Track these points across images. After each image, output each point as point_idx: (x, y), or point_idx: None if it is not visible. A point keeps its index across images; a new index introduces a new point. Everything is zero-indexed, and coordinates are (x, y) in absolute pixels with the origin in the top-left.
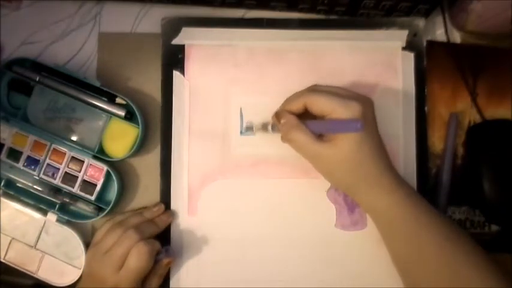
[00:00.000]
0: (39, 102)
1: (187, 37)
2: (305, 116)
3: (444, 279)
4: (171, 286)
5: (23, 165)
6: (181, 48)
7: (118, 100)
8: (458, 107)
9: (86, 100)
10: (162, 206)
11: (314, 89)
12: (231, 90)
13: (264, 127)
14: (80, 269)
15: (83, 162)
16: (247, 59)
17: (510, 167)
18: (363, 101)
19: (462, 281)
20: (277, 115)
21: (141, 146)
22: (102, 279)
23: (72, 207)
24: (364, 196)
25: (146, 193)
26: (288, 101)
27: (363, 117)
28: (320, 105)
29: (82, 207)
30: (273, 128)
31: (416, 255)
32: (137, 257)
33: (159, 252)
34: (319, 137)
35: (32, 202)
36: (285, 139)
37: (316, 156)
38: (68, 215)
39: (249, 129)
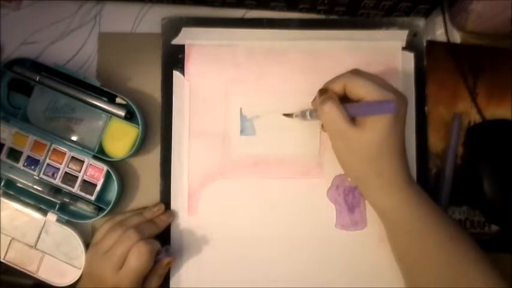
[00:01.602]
0: (39, 102)
1: (187, 37)
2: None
3: (447, 279)
4: (171, 286)
5: (23, 165)
6: (181, 48)
7: (118, 100)
8: (458, 107)
9: (86, 100)
10: (162, 206)
11: (355, 72)
12: (231, 90)
13: (303, 114)
14: (80, 269)
15: (83, 162)
16: (247, 59)
17: (510, 167)
18: (399, 95)
19: (464, 281)
20: (321, 91)
21: (141, 146)
22: (102, 279)
23: (72, 207)
24: (375, 191)
25: (146, 193)
26: (329, 82)
27: (396, 110)
28: (358, 87)
29: (82, 207)
30: (311, 114)
31: (420, 254)
32: (137, 256)
33: (159, 252)
34: (352, 119)
35: (32, 202)
36: (319, 109)
37: (342, 136)
38: (68, 215)
39: (289, 115)
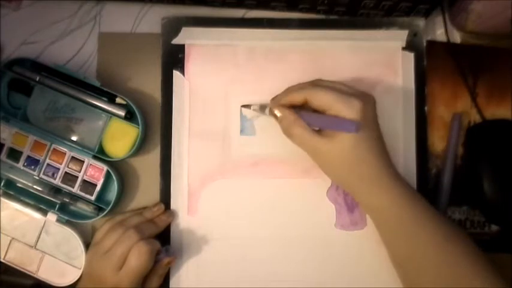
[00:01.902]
0: (39, 102)
1: (187, 37)
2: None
3: (443, 279)
4: (170, 286)
5: (23, 165)
6: (181, 48)
7: (118, 100)
8: (458, 107)
9: (86, 100)
10: (162, 206)
11: (316, 84)
12: (231, 90)
13: (262, 108)
14: (80, 269)
15: (83, 162)
16: (247, 59)
17: (510, 167)
18: (364, 98)
19: (461, 281)
20: (271, 110)
21: (141, 146)
22: (102, 279)
23: (72, 207)
24: (363, 195)
25: (146, 193)
26: (290, 91)
27: (363, 115)
28: (320, 100)
29: (82, 207)
30: (270, 111)
31: (415, 255)
32: (137, 256)
33: (159, 252)
34: (319, 131)
35: (32, 202)
36: (285, 134)
37: (315, 151)
38: (68, 215)
39: (247, 106)
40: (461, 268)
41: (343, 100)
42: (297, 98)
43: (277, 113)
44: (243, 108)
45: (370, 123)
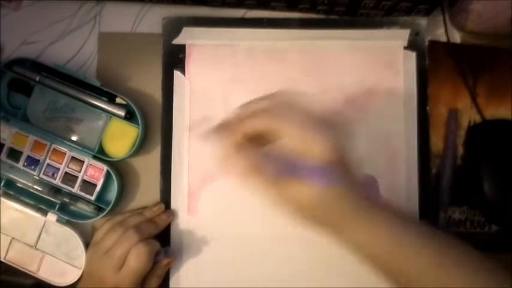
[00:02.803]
0: (39, 102)
1: (188, 37)
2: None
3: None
4: (170, 286)
5: (23, 165)
6: (182, 48)
7: (118, 100)
8: (458, 107)
9: (86, 100)
10: (162, 206)
11: (275, 113)
12: (231, 89)
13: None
14: (80, 269)
15: (83, 162)
16: (247, 59)
17: (510, 167)
18: (330, 133)
19: None
20: (220, 130)
21: (141, 146)
22: (102, 279)
23: (72, 207)
24: (348, 233)
25: (146, 193)
26: (243, 119)
27: (333, 151)
28: (282, 135)
29: (82, 207)
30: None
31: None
32: (136, 257)
33: (159, 253)
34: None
35: (32, 202)
36: (244, 179)
37: (280, 198)
38: (68, 215)
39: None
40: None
41: (307, 141)
42: (257, 125)
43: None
44: None
45: (340, 157)
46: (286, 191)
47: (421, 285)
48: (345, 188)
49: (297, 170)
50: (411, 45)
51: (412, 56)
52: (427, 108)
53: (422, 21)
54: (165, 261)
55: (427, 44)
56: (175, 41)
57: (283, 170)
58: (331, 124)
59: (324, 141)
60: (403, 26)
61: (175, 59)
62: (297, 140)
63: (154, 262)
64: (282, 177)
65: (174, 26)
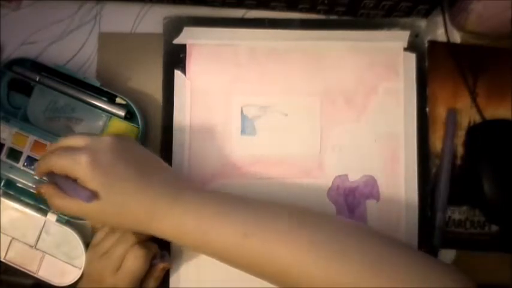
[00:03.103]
0: (39, 102)
1: (189, 37)
2: None
3: None
4: (170, 286)
5: (23, 165)
6: (182, 48)
7: (118, 100)
8: (458, 107)
9: (86, 100)
10: None
11: (49, 149)
12: (232, 90)
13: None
14: (80, 268)
15: None
16: (248, 59)
17: (510, 167)
18: (93, 146)
19: None
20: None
21: None
22: (101, 280)
23: None
24: (160, 224)
25: None
26: (40, 160)
27: (96, 165)
28: (56, 166)
29: None
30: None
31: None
32: (133, 260)
33: (155, 257)
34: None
35: (32, 202)
36: (54, 209)
37: (84, 214)
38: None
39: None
40: None
41: (70, 158)
42: (45, 169)
43: (42, 190)
44: (243, 108)
45: (109, 168)
46: (82, 208)
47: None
48: (123, 188)
49: (71, 192)
50: (411, 47)
51: (412, 57)
52: (427, 109)
53: (422, 23)
54: (160, 266)
55: (426, 45)
56: (176, 41)
57: (66, 190)
58: (89, 143)
59: (81, 159)
60: (403, 27)
61: (175, 59)
62: (63, 164)
63: (151, 265)
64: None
65: (175, 26)
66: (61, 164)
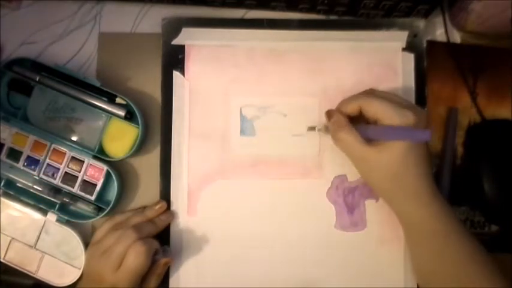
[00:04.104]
0: (39, 102)
1: (187, 37)
2: (359, 120)
3: None
4: (170, 286)
5: (23, 165)
6: (181, 49)
7: (118, 100)
8: (458, 107)
9: (86, 100)
10: (164, 204)
11: (370, 93)
12: (231, 90)
13: (326, 129)
14: (80, 269)
15: (83, 162)
16: (247, 60)
17: (510, 167)
18: (417, 111)
19: None
20: (329, 113)
21: (141, 146)
22: (101, 278)
23: (72, 207)
24: (401, 205)
25: (146, 193)
26: (344, 102)
27: (416, 127)
28: (375, 109)
29: (82, 207)
30: (326, 114)
31: (439, 271)
32: (134, 256)
33: (157, 252)
34: (367, 141)
35: (32, 202)
36: (333, 138)
37: (361, 159)
38: (68, 215)
39: (312, 128)
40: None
41: (398, 111)
42: (352, 106)
43: (333, 116)
44: (242, 108)
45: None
46: (366, 155)
47: (447, 277)
48: (416, 160)
49: (399, 135)
50: (409, 47)
51: (411, 57)
52: (425, 109)
53: (421, 23)
54: (163, 261)
55: (425, 45)
56: (175, 42)
57: (386, 135)
58: (413, 106)
59: (409, 115)
60: (401, 27)
61: (174, 60)
62: (384, 112)
63: (153, 261)
64: (381, 139)
65: (174, 27)
66: (384, 109)
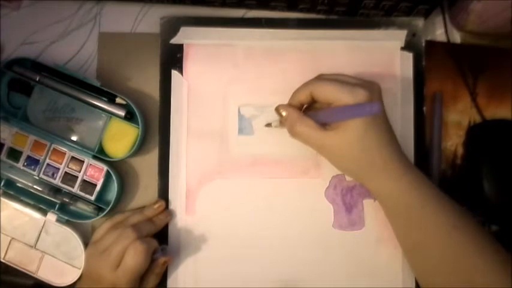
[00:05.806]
0: (39, 102)
1: (185, 36)
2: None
3: (449, 266)
4: (168, 286)
5: (23, 165)
6: (180, 48)
7: (118, 100)
8: (458, 107)
9: (86, 100)
10: (163, 203)
11: (319, 78)
12: (229, 89)
13: (268, 124)
14: (80, 269)
15: (82, 162)
16: (245, 59)
17: (510, 167)
18: (369, 86)
19: (466, 269)
20: (277, 109)
21: (141, 146)
22: (100, 277)
23: (72, 207)
24: (371, 182)
25: (146, 193)
26: (295, 92)
27: (380, 109)
28: (326, 92)
29: (82, 207)
30: (276, 110)
31: (422, 242)
32: (133, 255)
33: (156, 251)
34: (323, 126)
35: (32, 202)
36: (290, 133)
37: (322, 146)
38: (68, 215)
39: (268, 125)
40: (468, 257)
41: (348, 90)
42: (303, 94)
43: (282, 112)
44: (240, 107)
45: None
46: (325, 141)
47: (431, 247)
48: (377, 135)
49: (348, 113)
50: (408, 46)
51: (409, 56)
52: (424, 108)
53: (420, 22)
54: (162, 260)
55: (423, 44)
56: (173, 41)
57: (335, 116)
58: (365, 83)
59: (360, 92)
60: (400, 26)
61: (173, 59)
62: (335, 94)
63: (152, 260)
64: (334, 121)
65: (172, 26)
66: (335, 91)
